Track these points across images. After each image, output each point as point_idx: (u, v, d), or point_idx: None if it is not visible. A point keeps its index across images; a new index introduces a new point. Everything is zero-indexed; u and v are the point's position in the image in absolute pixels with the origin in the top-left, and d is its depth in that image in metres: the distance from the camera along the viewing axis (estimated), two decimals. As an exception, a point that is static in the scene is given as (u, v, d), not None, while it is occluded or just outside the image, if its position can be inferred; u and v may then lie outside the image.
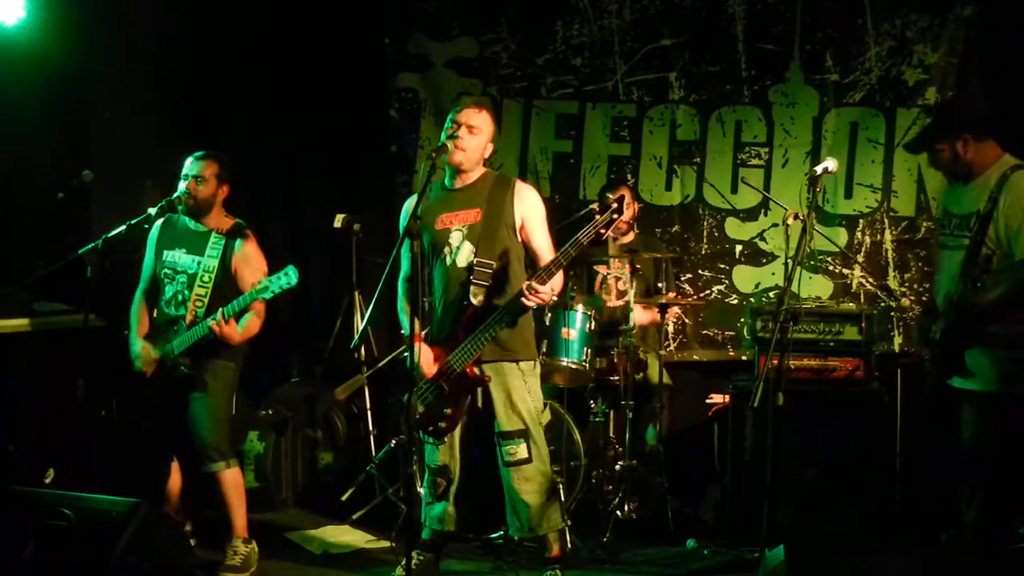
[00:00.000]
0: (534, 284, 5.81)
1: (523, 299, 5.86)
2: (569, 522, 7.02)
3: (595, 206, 5.95)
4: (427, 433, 6.20)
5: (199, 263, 6.68)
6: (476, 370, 6.11)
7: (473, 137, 6.13)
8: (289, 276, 6.26)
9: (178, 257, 6.74)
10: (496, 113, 9.07)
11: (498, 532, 6.86)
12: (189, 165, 6.70)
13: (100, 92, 8.69)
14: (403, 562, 6.03)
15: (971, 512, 5.84)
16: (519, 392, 6.16)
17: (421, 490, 6.49)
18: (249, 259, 6.71)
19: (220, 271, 6.65)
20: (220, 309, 6.39)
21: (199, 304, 6.62)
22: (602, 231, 5.81)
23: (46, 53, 8.09)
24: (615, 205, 5.82)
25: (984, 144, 5.89)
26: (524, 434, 6.12)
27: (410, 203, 6.19)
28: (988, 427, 5.79)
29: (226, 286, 6.61)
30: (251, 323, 6.64)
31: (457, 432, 6.27)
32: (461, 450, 6.32)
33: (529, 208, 6.24)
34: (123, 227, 6.64)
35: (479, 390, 6.15)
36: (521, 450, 6.10)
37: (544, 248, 6.22)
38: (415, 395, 6.10)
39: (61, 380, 7.46)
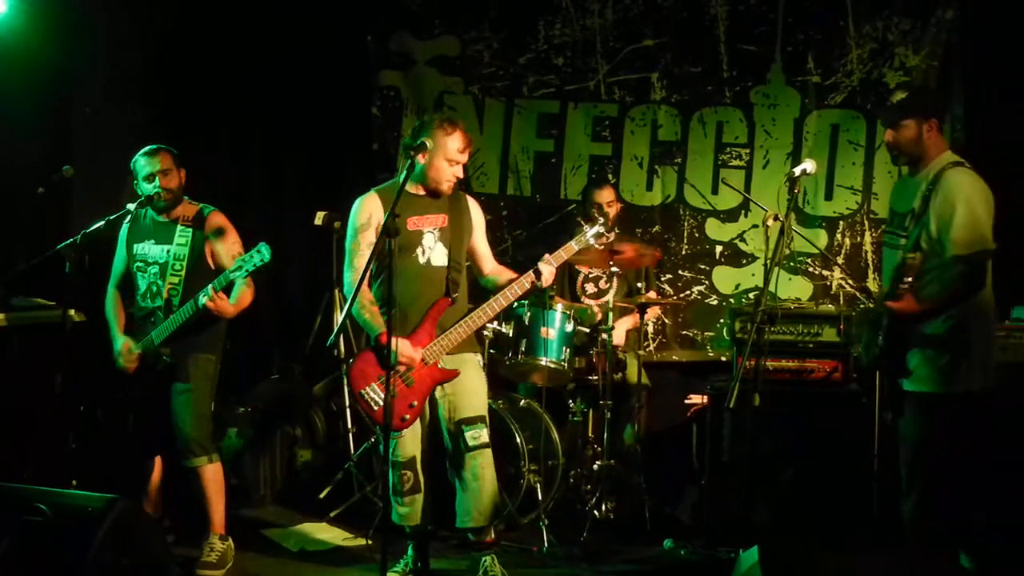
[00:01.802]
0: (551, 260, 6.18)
1: (544, 279, 6.16)
2: (546, 520, 7.07)
3: (580, 218, 6.21)
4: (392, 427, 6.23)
5: (169, 251, 6.68)
6: (444, 363, 6.21)
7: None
8: (262, 253, 6.28)
9: (148, 249, 6.74)
10: (478, 112, 9.15)
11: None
12: (147, 164, 6.67)
13: (83, 87, 8.69)
14: (407, 564, 6.42)
15: (907, 506, 5.86)
16: (480, 380, 6.36)
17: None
18: (222, 235, 6.73)
19: (191, 257, 6.66)
20: (209, 285, 6.39)
21: (173, 292, 6.63)
22: (591, 242, 6.36)
23: (28, 47, 8.07)
24: (601, 219, 6.45)
25: (940, 137, 5.91)
26: (484, 420, 6.26)
27: (367, 202, 6.31)
28: (924, 427, 5.79)
29: (199, 271, 6.59)
30: (243, 294, 6.65)
31: (419, 425, 6.31)
32: (427, 443, 6.40)
33: (479, 219, 6.55)
34: (102, 223, 6.62)
35: (445, 383, 6.26)
36: (484, 434, 6.22)
37: (488, 253, 6.58)
38: (375, 390, 6.18)
39: (39, 375, 7.44)
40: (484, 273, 6.53)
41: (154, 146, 6.75)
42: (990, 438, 6.57)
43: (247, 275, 6.35)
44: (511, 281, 6.26)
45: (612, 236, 8.12)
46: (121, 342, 6.77)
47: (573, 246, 6.23)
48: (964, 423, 5.80)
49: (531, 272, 6.17)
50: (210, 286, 6.37)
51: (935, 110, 5.96)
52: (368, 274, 5.91)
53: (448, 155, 6.14)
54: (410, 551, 6.52)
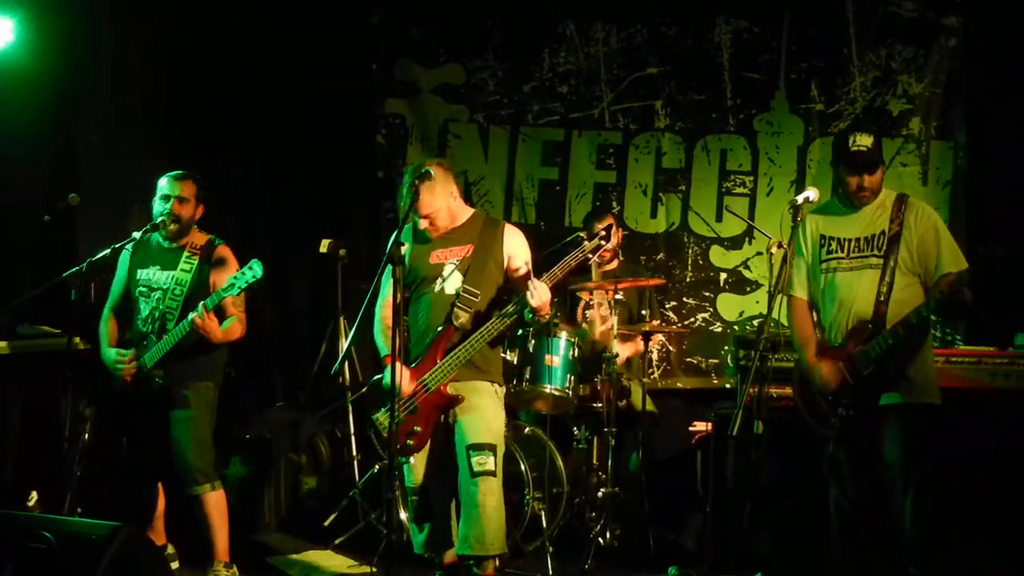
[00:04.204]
0: (541, 282, 6.02)
1: (528, 294, 5.98)
2: (551, 548, 7.05)
3: (583, 233, 6.12)
4: (396, 452, 6.24)
5: (172, 277, 6.70)
6: (449, 390, 6.19)
7: (434, 198, 6.25)
8: (254, 270, 6.30)
9: (153, 275, 6.76)
10: (483, 139, 9.17)
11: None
12: (168, 186, 6.73)
13: (89, 115, 8.70)
14: None
15: (914, 524, 5.83)
16: (493, 410, 6.27)
17: (404, 515, 6.53)
18: (226, 268, 6.73)
19: (193, 285, 6.67)
20: (201, 303, 6.41)
21: (169, 317, 6.63)
22: (589, 256, 6.08)
23: (35, 76, 8.11)
24: (603, 232, 6.08)
25: None
26: (493, 448, 6.16)
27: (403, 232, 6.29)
28: (917, 438, 5.82)
29: (198, 300, 6.52)
30: (233, 327, 6.68)
31: (426, 451, 6.30)
32: (442, 471, 6.36)
33: (515, 248, 6.43)
34: (107, 251, 6.66)
35: (450, 409, 6.23)
36: (490, 462, 6.11)
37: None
38: (385, 413, 6.21)
39: (45, 402, 7.47)
40: None
41: (184, 172, 6.80)
42: (995, 468, 6.60)
43: (240, 292, 6.35)
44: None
45: (616, 263, 8.19)
46: (113, 352, 6.77)
47: (570, 262, 6.08)
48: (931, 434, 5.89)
49: (510, 304, 6.16)
50: (202, 304, 6.40)
51: None
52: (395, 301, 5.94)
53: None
54: None
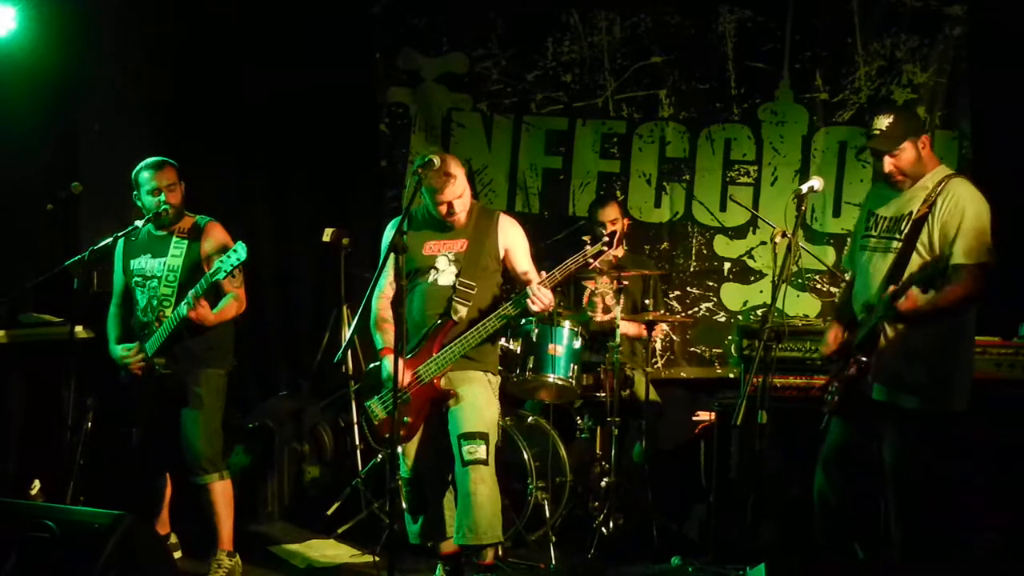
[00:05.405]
0: (543, 286, 6.04)
1: (528, 300, 6.01)
2: (554, 537, 7.05)
3: (587, 237, 6.12)
4: (384, 441, 6.25)
5: (164, 264, 6.66)
6: (442, 383, 6.22)
7: (455, 188, 6.23)
8: (238, 252, 6.28)
9: (145, 263, 6.73)
10: (486, 128, 9.16)
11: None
12: (152, 178, 6.65)
13: (90, 104, 8.70)
14: None
15: (898, 531, 5.75)
16: (486, 399, 6.29)
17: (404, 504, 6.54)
18: (216, 243, 6.70)
19: (185, 269, 6.63)
20: (190, 293, 6.39)
21: (166, 303, 6.60)
22: (590, 261, 6.10)
23: (37, 65, 8.10)
24: (606, 238, 6.08)
25: (932, 151, 5.80)
26: (485, 437, 6.17)
27: (395, 223, 6.25)
28: (912, 446, 5.66)
29: (193, 282, 6.49)
30: (228, 306, 6.66)
31: (419, 442, 6.34)
32: (437, 461, 6.38)
33: (511, 239, 6.45)
34: (109, 239, 6.66)
35: (442, 403, 6.26)
36: (481, 450, 6.13)
37: (529, 272, 6.41)
38: (377, 402, 6.31)
39: (48, 392, 7.46)
40: None
41: (158, 159, 6.73)
42: (998, 459, 6.58)
43: (226, 276, 6.32)
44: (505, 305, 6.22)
45: (622, 252, 8.18)
46: (119, 348, 6.76)
47: (570, 265, 6.09)
48: (948, 444, 5.73)
49: (509, 304, 6.16)
50: (190, 293, 6.39)
51: (922, 126, 5.95)
52: (391, 292, 6.10)
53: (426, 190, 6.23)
54: (438, 570, 6.54)
